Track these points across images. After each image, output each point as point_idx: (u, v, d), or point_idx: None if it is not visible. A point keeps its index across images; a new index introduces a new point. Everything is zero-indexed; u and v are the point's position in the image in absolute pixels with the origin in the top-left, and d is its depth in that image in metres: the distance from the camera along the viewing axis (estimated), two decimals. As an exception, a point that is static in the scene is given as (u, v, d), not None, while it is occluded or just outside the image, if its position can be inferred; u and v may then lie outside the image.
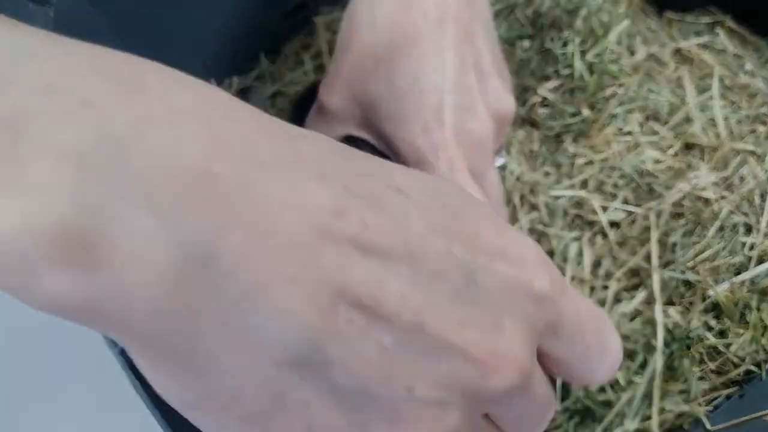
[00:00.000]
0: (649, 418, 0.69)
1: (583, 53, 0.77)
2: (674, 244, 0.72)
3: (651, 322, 0.69)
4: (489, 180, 0.57)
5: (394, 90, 0.55)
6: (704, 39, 0.82)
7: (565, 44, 0.77)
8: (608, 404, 0.69)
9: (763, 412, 0.63)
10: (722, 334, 0.68)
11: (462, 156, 0.55)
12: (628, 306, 0.70)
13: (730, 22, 0.85)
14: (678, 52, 0.81)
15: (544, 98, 0.78)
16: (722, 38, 0.83)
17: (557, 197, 0.73)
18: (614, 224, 0.73)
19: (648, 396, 0.69)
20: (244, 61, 0.86)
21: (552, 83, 0.78)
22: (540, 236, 0.72)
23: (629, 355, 0.70)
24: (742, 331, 0.68)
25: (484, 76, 0.57)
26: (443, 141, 0.54)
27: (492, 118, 0.57)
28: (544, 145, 0.77)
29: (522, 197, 0.74)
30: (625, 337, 0.69)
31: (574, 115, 0.76)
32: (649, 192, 0.74)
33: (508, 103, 0.59)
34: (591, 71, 0.77)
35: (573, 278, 0.70)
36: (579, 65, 0.77)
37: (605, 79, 0.78)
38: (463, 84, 0.55)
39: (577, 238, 0.72)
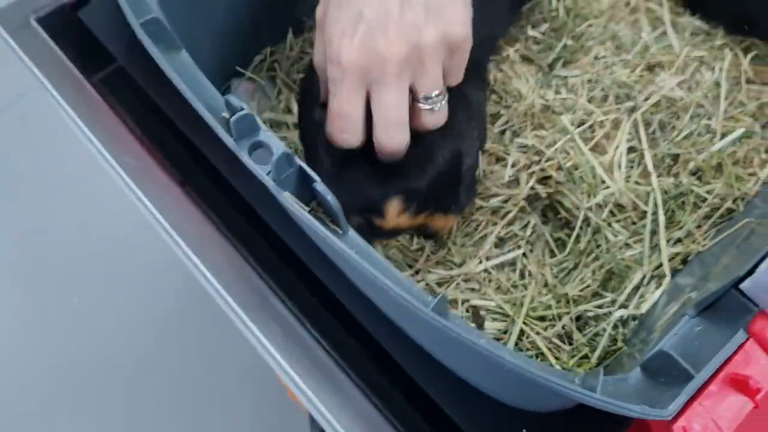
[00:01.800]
0: (660, 266, 0.84)
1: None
2: (654, 131, 0.89)
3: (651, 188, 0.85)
4: (383, 100, 0.65)
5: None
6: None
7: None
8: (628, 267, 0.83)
9: (742, 222, 0.78)
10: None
11: (357, 67, 0.64)
12: (631, 175, 0.86)
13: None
14: (628, 4, 1.03)
15: (535, 37, 0.97)
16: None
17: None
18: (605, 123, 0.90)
19: (656, 247, 0.84)
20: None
21: (542, 27, 0.97)
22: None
23: (641, 217, 0.85)
24: (719, 183, 0.85)
25: (416, 6, 0.64)
26: (349, 47, 0.63)
27: (409, 44, 0.64)
28: (540, 72, 0.95)
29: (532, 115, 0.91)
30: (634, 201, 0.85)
31: (562, 48, 0.95)
32: (627, 98, 0.93)
33: (459, 34, 0.66)
34: (568, 14, 0.97)
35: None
36: (561, 11, 0.97)
37: (579, 20, 0.97)
38: (384, 8, 0.63)
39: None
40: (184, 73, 0.62)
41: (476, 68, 0.87)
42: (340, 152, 0.73)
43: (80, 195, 2.30)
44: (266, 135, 0.59)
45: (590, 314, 0.81)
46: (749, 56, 0.97)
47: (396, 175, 0.77)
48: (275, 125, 0.96)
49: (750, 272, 0.62)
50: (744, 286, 0.62)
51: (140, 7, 0.65)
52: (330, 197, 0.57)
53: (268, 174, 0.57)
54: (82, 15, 0.99)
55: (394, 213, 0.82)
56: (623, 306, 0.81)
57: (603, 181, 0.86)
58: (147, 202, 0.88)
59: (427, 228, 0.90)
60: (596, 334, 0.80)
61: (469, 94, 0.84)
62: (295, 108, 0.97)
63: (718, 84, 0.94)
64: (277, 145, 0.58)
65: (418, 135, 0.75)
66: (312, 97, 0.79)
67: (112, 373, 1.99)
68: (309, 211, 0.58)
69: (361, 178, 0.77)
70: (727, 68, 0.95)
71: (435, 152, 0.78)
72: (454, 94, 0.78)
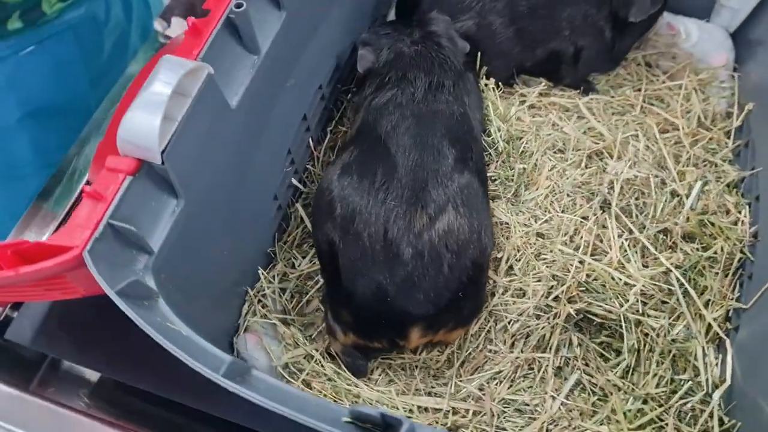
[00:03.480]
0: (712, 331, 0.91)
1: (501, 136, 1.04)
2: (636, 216, 0.97)
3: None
4: None
5: None
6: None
7: (489, 135, 1.04)
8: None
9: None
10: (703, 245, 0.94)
11: None
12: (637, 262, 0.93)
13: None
14: (532, 107, 1.11)
15: (491, 176, 1.02)
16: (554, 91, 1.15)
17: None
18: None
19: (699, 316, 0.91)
20: None
21: (491, 167, 1.03)
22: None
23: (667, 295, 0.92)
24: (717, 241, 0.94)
25: None
26: None
27: None
28: (509, 203, 1.01)
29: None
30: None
31: (519, 175, 1.01)
32: (592, 194, 1.00)
33: None
34: (508, 143, 1.03)
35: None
36: (500, 142, 1.03)
37: (515, 142, 1.04)
38: None
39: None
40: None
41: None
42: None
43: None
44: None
45: (685, 403, 0.86)
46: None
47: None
48: (303, 361, 0.93)
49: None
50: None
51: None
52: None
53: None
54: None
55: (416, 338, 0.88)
56: (699, 384, 0.87)
57: (626, 283, 0.91)
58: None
59: (441, 341, 0.94)
60: (698, 425, 0.84)
61: (478, 189, 0.90)
62: (301, 338, 0.95)
63: (650, 149, 1.04)
64: None
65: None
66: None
67: None
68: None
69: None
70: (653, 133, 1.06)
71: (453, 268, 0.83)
72: (468, 188, 0.86)
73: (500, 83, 1.13)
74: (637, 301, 0.91)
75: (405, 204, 0.84)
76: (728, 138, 1.09)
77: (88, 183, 1.08)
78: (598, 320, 0.92)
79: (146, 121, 0.68)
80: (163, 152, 0.69)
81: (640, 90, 1.16)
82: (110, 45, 1.29)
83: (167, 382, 0.94)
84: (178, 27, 1.33)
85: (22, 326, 1.00)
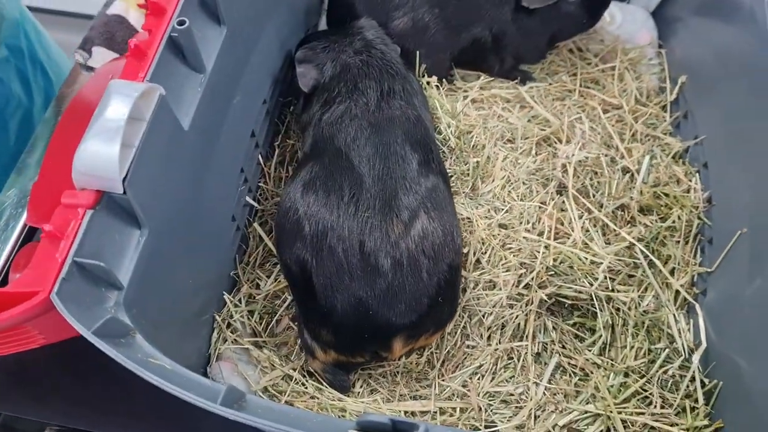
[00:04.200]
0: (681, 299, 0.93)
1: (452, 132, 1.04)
2: (593, 195, 0.99)
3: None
4: None
5: None
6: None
7: (440, 132, 1.04)
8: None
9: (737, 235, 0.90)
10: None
11: None
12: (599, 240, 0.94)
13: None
14: (474, 101, 1.13)
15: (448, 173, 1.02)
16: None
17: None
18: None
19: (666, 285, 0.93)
20: None
21: (447, 162, 1.03)
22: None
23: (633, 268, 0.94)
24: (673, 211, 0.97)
25: None
26: None
27: None
28: (467, 197, 1.01)
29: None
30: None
31: (474, 168, 1.02)
32: (547, 179, 1.02)
33: None
34: (459, 138, 1.04)
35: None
36: (452, 138, 1.03)
37: (465, 137, 1.05)
38: None
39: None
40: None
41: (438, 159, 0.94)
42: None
43: None
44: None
45: (666, 371, 0.88)
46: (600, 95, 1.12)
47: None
48: (282, 382, 0.91)
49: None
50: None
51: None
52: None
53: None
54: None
55: (399, 348, 0.88)
56: (676, 350, 0.89)
57: (592, 262, 0.93)
58: None
59: (421, 346, 0.93)
60: (680, 390, 0.87)
61: (444, 190, 0.90)
62: (277, 360, 0.93)
63: (595, 130, 1.06)
64: None
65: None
66: None
67: None
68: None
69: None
70: (595, 113, 1.08)
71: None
72: (435, 190, 0.86)
73: (443, 80, 1.13)
74: (606, 278, 0.92)
75: (379, 214, 0.82)
76: (665, 112, 1.13)
77: (29, 227, 1.03)
78: (569, 302, 0.93)
79: (104, 150, 0.65)
80: (123, 181, 0.66)
81: (575, 75, 1.18)
82: (15, 126, 1.22)
83: (141, 423, 0.90)
84: (99, 57, 1.28)
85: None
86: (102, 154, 0.65)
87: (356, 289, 0.81)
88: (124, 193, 0.66)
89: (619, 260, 0.94)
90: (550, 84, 1.17)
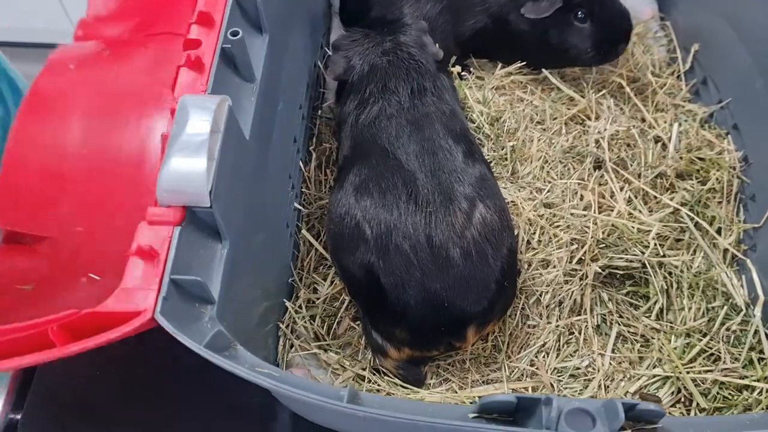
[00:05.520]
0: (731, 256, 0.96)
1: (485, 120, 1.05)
2: (632, 166, 1.02)
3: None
4: None
5: None
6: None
7: (473, 121, 1.05)
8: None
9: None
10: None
11: None
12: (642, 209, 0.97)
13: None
14: (497, 89, 1.15)
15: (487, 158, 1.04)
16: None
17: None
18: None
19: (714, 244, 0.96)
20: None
21: (484, 149, 1.04)
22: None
23: (681, 232, 0.97)
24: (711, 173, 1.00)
25: None
26: None
27: None
28: (508, 181, 1.03)
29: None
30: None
31: (510, 150, 1.03)
32: (582, 156, 1.04)
33: None
34: (493, 125, 1.05)
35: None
36: (485, 125, 1.05)
37: (497, 124, 1.06)
38: None
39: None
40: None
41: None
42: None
43: None
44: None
45: (728, 327, 0.90)
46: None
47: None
48: (354, 382, 0.91)
49: None
50: None
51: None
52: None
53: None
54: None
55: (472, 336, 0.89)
56: (734, 306, 0.92)
57: (639, 230, 0.95)
58: None
59: (488, 332, 0.95)
60: (745, 344, 0.89)
61: (490, 177, 0.91)
62: (346, 361, 0.93)
63: (618, 105, 1.09)
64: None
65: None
66: None
67: None
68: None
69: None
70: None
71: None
72: (483, 178, 0.87)
73: (469, 69, 1.15)
74: (656, 244, 0.95)
75: (441, 207, 0.83)
76: (679, 81, 1.16)
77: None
78: (621, 272, 0.96)
79: (191, 165, 0.65)
80: (209, 194, 0.66)
81: (587, 53, 1.21)
82: None
83: None
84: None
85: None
86: (189, 169, 0.65)
87: (430, 283, 0.82)
88: (210, 206, 0.66)
89: (665, 226, 0.97)
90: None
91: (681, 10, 1.23)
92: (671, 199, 0.98)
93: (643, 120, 1.09)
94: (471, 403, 0.89)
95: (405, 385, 0.91)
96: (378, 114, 0.94)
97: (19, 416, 0.95)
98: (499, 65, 1.19)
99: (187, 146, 0.65)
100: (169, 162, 0.64)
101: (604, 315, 0.95)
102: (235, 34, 0.77)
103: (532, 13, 1.07)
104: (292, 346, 0.94)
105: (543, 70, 1.15)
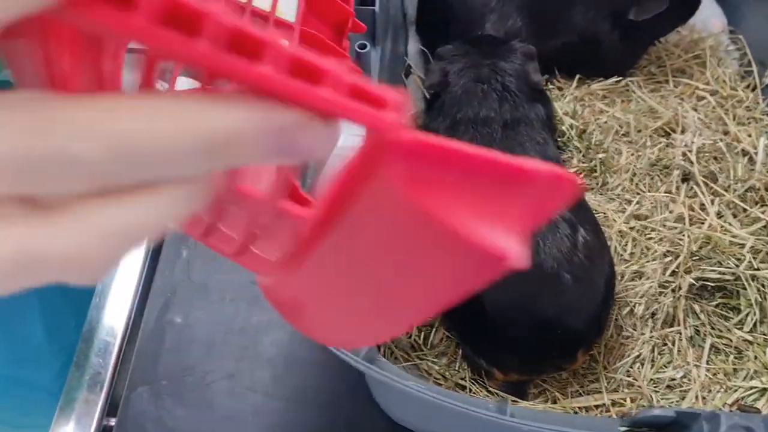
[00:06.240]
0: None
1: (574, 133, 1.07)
2: (722, 180, 1.03)
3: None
4: None
5: None
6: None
7: (563, 134, 1.07)
8: None
9: None
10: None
11: None
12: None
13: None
14: (578, 99, 1.16)
15: (575, 171, 1.05)
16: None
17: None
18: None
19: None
20: None
21: (572, 162, 1.05)
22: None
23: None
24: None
25: None
26: None
27: None
28: (597, 193, 1.04)
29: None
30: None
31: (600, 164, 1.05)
32: (668, 169, 1.05)
33: None
34: (581, 136, 1.07)
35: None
36: (574, 135, 1.06)
37: (585, 135, 1.08)
38: None
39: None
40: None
41: None
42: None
43: None
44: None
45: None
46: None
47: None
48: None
49: None
50: None
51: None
52: None
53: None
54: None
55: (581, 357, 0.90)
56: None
57: (733, 243, 0.97)
58: None
59: None
60: None
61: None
62: (445, 372, 0.94)
63: (701, 118, 1.11)
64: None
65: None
66: None
67: None
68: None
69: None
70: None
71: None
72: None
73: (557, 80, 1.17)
74: (751, 257, 0.96)
75: (549, 234, 0.84)
76: (755, 94, 1.18)
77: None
78: (712, 284, 0.97)
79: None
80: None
81: (661, 66, 1.22)
82: None
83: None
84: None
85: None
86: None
87: (543, 310, 0.83)
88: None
89: (757, 239, 0.98)
90: (638, 77, 1.21)
91: (751, 23, 1.25)
92: (762, 212, 1.00)
93: (725, 133, 1.10)
94: (575, 413, 0.91)
95: (503, 394, 0.92)
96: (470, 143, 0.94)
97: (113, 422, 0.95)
98: (577, 77, 1.20)
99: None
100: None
101: (697, 326, 0.97)
102: (362, 47, 0.78)
103: (642, 15, 1.09)
104: (392, 353, 0.94)
105: (626, 80, 1.17)
